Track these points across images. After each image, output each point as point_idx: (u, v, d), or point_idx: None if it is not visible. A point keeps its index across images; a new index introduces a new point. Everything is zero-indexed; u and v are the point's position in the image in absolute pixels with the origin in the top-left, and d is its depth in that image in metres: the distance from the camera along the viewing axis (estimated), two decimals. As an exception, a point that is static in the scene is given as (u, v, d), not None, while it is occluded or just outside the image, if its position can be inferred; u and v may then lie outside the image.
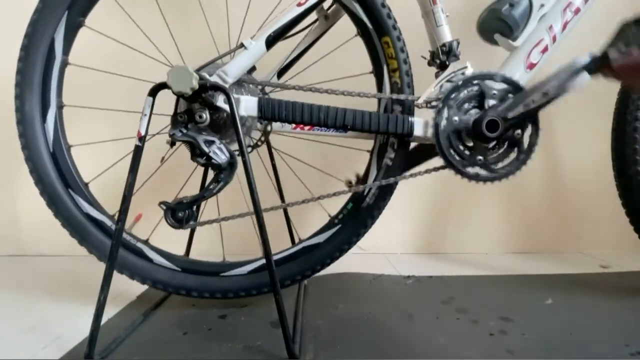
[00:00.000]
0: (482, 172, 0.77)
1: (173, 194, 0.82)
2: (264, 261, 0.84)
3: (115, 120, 0.99)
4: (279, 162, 1.01)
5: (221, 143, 0.74)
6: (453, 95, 0.76)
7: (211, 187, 0.75)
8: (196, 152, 0.74)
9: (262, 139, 0.92)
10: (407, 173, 0.82)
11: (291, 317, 0.81)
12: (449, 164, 0.77)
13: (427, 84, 0.81)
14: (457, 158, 0.77)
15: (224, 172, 0.75)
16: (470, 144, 0.77)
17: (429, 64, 0.86)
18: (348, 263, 1.07)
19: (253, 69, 0.87)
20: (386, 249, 1.30)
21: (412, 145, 0.83)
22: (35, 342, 0.74)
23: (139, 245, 0.84)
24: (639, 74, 0.58)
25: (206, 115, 0.74)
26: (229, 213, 0.79)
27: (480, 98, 0.77)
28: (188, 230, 1.00)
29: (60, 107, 0.85)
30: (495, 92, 0.76)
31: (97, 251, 0.82)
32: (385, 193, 0.84)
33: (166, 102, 0.74)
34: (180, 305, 0.88)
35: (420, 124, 0.79)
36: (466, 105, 0.77)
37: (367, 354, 0.68)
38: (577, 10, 0.81)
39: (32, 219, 1.27)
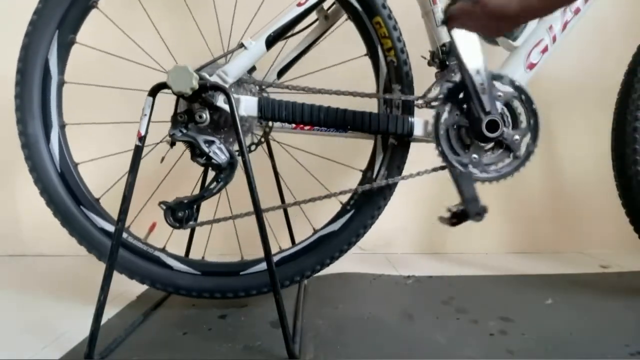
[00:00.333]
0: (480, 172, 0.77)
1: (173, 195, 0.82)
2: (281, 256, 0.85)
3: (118, 131, 0.98)
4: (280, 162, 1.01)
5: (221, 143, 0.74)
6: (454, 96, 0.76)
7: (211, 187, 0.75)
8: (196, 152, 0.74)
9: (262, 139, 0.92)
10: (407, 173, 0.82)
11: (291, 317, 0.81)
12: (448, 164, 0.77)
13: (427, 84, 0.81)
14: (457, 158, 0.77)
15: (224, 172, 0.75)
16: (470, 144, 0.78)
17: (429, 64, 0.86)
18: (348, 263, 1.07)
19: (253, 69, 0.86)
20: (386, 249, 1.30)
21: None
22: (35, 342, 0.74)
23: (157, 253, 0.85)
24: (468, 20, 0.61)
25: (206, 115, 0.74)
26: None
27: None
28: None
29: (62, 126, 0.85)
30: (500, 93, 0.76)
31: (117, 265, 0.82)
32: (395, 173, 0.84)
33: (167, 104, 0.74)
34: (180, 305, 0.88)
35: (420, 124, 0.79)
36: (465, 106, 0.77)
37: (367, 354, 0.68)
38: (577, 10, 0.81)
39: (32, 219, 1.27)
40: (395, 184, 0.84)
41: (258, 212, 0.68)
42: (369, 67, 0.85)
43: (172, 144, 0.76)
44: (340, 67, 0.94)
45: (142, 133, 0.69)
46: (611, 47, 1.19)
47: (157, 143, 0.78)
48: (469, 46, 0.72)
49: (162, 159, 0.83)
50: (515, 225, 1.31)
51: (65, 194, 0.83)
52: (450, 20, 0.64)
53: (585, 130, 1.27)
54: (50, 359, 0.68)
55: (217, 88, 0.71)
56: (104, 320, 0.71)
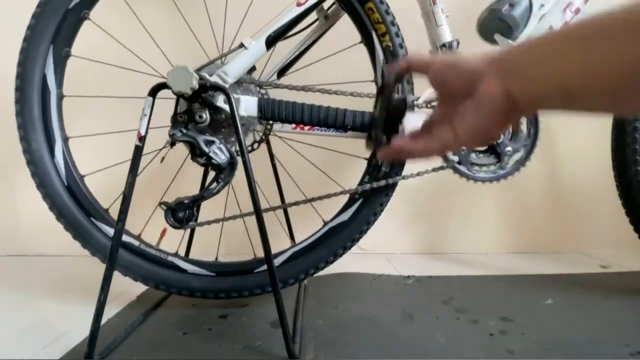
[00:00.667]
0: (497, 170, 0.78)
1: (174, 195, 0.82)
2: (294, 250, 0.85)
3: (121, 139, 0.98)
4: (285, 157, 1.01)
5: (221, 143, 0.74)
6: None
7: (211, 187, 0.75)
8: (196, 152, 0.74)
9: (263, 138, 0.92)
10: (407, 173, 0.82)
11: (291, 317, 0.81)
12: (465, 175, 0.77)
13: (427, 84, 0.81)
14: (456, 158, 0.77)
15: (224, 172, 0.75)
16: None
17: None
18: (348, 263, 1.07)
19: (253, 69, 0.87)
20: (386, 249, 1.30)
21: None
22: (35, 342, 0.74)
23: (170, 258, 0.85)
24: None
25: (206, 116, 0.74)
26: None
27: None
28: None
29: (65, 139, 0.85)
30: None
31: (132, 272, 0.83)
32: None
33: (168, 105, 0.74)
34: (180, 305, 0.88)
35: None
36: None
37: (367, 354, 0.68)
38: (577, 10, 0.81)
39: (32, 219, 1.27)
40: (402, 169, 0.84)
41: (258, 212, 0.69)
42: (369, 67, 0.85)
43: (172, 144, 0.76)
44: (342, 68, 0.94)
45: (142, 133, 0.69)
46: (611, 47, 1.19)
47: (160, 149, 0.78)
48: None
49: (162, 159, 0.84)
50: (515, 225, 1.31)
51: (74, 207, 0.83)
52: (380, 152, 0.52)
53: (585, 130, 1.27)
54: (50, 359, 0.68)
55: (217, 88, 0.71)
56: (104, 320, 0.71)
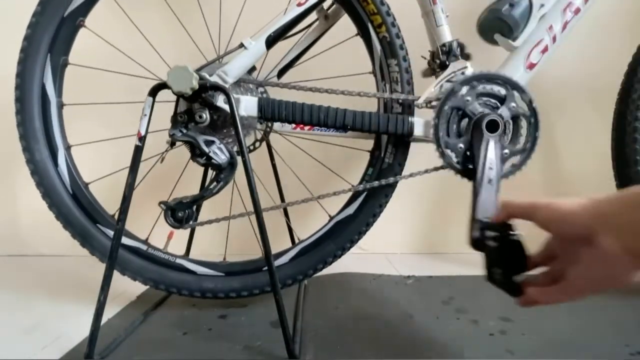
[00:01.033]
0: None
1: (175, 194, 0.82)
2: (302, 245, 0.85)
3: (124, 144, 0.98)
4: (286, 153, 1.01)
5: (221, 143, 0.74)
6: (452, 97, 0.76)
7: (211, 187, 0.75)
8: (196, 152, 0.74)
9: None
10: (407, 173, 0.82)
11: (291, 317, 0.81)
12: (459, 172, 0.77)
13: (427, 84, 0.81)
14: (456, 158, 0.77)
15: (224, 172, 0.75)
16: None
17: (429, 63, 0.86)
18: (348, 263, 1.07)
19: (253, 69, 0.87)
20: (386, 249, 1.30)
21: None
22: (35, 342, 0.74)
23: (179, 261, 0.85)
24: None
25: (206, 115, 0.74)
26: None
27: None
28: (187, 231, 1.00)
29: (67, 148, 0.85)
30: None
31: (141, 276, 0.83)
32: (403, 147, 0.83)
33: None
34: (180, 305, 0.88)
35: (421, 123, 0.79)
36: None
37: (367, 354, 0.68)
38: (577, 10, 0.80)
39: (32, 219, 1.27)
40: (405, 159, 0.84)
41: (258, 212, 0.69)
42: (368, 67, 0.85)
43: (172, 144, 0.76)
44: (342, 67, 0.94)
45: (142, 133, 0.69)
46: (611, 47, 1.19)
47: (162, 153, 0.78)
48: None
49: (162, 159, 0.83)
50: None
51: (81, 215, 0.83)
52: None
53: (585, 130, 1.27)
54: (50, 359, 0.68)
55: (217, 88, 0.71)
56: (104, 320, 0.71)
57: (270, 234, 0.69)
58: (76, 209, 0.83)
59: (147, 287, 0.86)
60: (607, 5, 1.13)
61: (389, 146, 0.83)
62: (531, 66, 0.80)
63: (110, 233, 0.83)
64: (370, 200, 0.84)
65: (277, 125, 0.85)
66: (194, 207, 0.77)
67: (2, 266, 1.19)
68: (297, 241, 0.88)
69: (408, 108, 0.82)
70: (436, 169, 0.80)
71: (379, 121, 0.78)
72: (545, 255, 0.55)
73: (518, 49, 0.81)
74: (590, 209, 0.45)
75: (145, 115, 0.69)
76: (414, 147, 0.84)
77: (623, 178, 0.97)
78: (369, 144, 0.86)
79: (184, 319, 0.82)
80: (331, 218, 0.87)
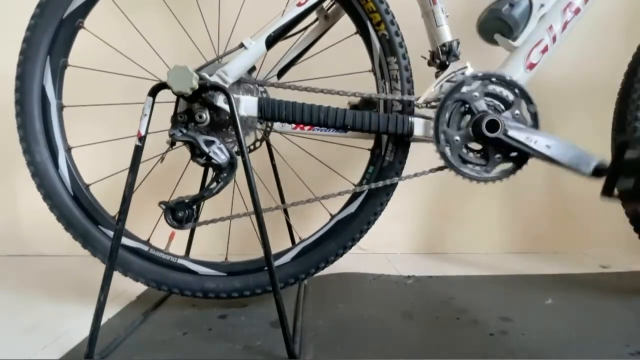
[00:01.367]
0: (480, 172, 0.78)
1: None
2: (304, 244, 0.85)
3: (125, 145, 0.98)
4: (287, 153, 1.01)
5: (221, 143, 0.74)
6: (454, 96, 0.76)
7: (211, 187, 0.75)
8: (196, 152, 0.74)
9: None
10: (408, 174, 0.82)
11: (291, 317, 0.81)
12: (449, 164, 0.77)
13: (427, 83, 0.81)
14: (448, 150, 0.77)
15: (224, 172, 0.75)
16: (471, 145, 0.78)
17: (429, 64, 0.86)
18: (348, 263, 1.07)
19: (253, 69, 0.87)
20: (386, 249, 1.30)
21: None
22: (35, 342, 0.74)
23: (180, 261, 0.85)
24: None
25: (206, 115, 0.74)
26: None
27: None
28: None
29: (68, 149, 0.85)
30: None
31: (143, 277, 0.83)
32: (403, 145, 0.83)
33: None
34: (180, 305, 0.88)
35: (421, 123, 0.79)
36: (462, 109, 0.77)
37: (367, 354, 0.68)
38: (577, 10, 0.80)
39: (32, 219, 1.27)
40: (405, 157, 0.84)
41: (258, 212, 0.69)
42: (368, 65, 0.85)
43: (172, 144, 0.76)
44: (341, 66, 0.94)
45: (142, 133, 0.69)
46: (611, 47, 1.19)
47: (162, 154, 0.78)
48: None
49: (162, 159, 0.84)
50: (515, 225, 1.31)
51: (82, 216, 0.83)
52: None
53: (586, 130, 1.27)
54: (50, 359, 0.68)
55: (217, 88, 0.71)
56: (104, 320, 0.71)
57: (271, 233, 0.69)
58: (77, 210, 0.83)
59: (147, 287, 0.86)
60: (606, 5, 1.13)
61: (390, 144, 0.83)
62: (531, 66, 0.80)
63: (112, 234, 0.83)
64: (371, 199, 0.84)
65: (277, 125, 0.85)
66: (194, 207, 0.77)
67: (2, 266, 1.19)
68: (297, 240, 0.88)
69: (408, 106, 0.82)
70: (438, 169, 0.80)
71: (379, 121, 0.78)
72: None
73: (518, 49, 0.81)
74: None
75: (145, 115, 0.69)
76: (414, 147, 0.84)
77: (623, 178, 0.96)
78: (369, 142, 0.86)
79: (184, 319, 0.82)
80: (332, 217, 0.87)
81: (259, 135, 0.91)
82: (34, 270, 1.17)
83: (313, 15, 0.87)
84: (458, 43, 0.82)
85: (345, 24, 0.86)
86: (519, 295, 0.94)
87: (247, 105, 0.76)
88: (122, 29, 0.94)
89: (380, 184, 0.81)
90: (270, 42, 0.77)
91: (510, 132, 0.75)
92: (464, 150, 0.78)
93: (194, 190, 0.81)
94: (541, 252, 1.30)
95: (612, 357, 0.67)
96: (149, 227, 0.88)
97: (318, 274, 0.86)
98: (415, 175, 0.82)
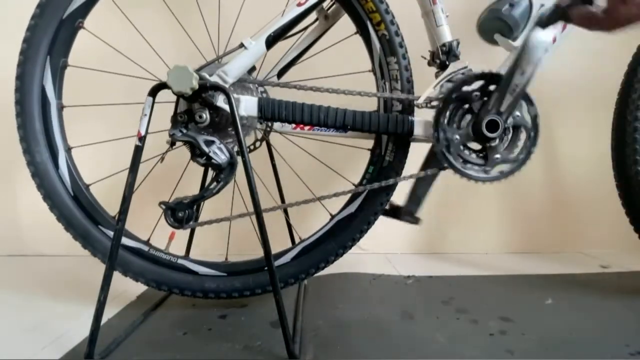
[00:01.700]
0: (478, 172, 0.78)
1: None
2: (304, 244, 0.85)
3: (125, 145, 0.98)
4: (287, 152, 1.01)
5: (221, 143, 0.74)
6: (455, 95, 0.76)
7: (211, 187, 0.75)
8: (196, 152, 0.74)
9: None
10: (408, 174, 0.82)
11: (291, 317, 0.81)
12: (449, 164, 0.77)
13: (427, 84, 0.81)
14: (457, 158, 0.77)
15: (224, 172, 0.75)
16: (472, 145, 0.78)
17: (429, 64, 0.86)
18: (348, 263, 1.07)
19: (253, 69, 0.87)
20: (386, 249, 1.30)
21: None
22: (35, 342, 0.74)
23: (180, 261, 0.85)
24: (596, 23, 0.65)
25: (206, 115, 0.74)
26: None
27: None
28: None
29: (68, 149, 0.85)
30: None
31: (143, 277, 0.83)
32: (403, 145, 0.83)
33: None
34: (180, 305, 0.88)
35: (421, 123, 0.79)
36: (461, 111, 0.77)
37: (367, 354, 0.68)
38: (577, 10, 0.80)
39: (32, 219, 1.27)
40: (406, 157, 0.84)
41: (258, 212, 0.69)
42: (368, 65, 0.85)
43: (172, 144, 0.76)
44: (342, 65, 0.94)
45: (142, 133, 0.69)
46: (611, 47, 1.19)
47: (162, 154, 0.78)
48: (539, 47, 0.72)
49: (162, 159, 0.84)
50: (515, 225, 1.31)
51: (82, 217, 0.83)
52: (568, 17, 0.67)
53: (585, 131, 1.27)
54: (50, 359, 0.68)
55: (217, 88, 0.71)
56: (104, 320, 0.71)
57: (271, 233, 0.69)
58: (77, 210, 0.83)
59: (147, 287, 0.86)
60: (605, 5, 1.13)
61: (390, 144, 0.83)
62: (531, 66, 0.80)
63: (112, 234, 0.83)
64: (371, 199, 0.84)
65: (277, 125, 0.85)
66: (194, 207, 0.77)
67: (2, 266, 1.19)
68: (297, 240, 0.88)
69: (408, 106, 0.82)
70: (438, 169, 0.80)
71: (379, 121, 0.78)
72: None
73: (518, 48, 0.81)
74: None
75: (146, 115, 0.69)
76: (415, 147, 0.84)
77: (623, 178, 0.97)
78: (369, 142, 0.86)
79: (184, 319, 0.82)
80: (332, 217, 0.87)
81: (259, 135, 0.91)
82: (34, 270, 1.17)
83: (313, 15, 0.87)
84: (458, 43, 0.82)
85: (345, 24, 0.86)
86: (519, 295, 0.94)
87: (247, 105, 0.76)
88: (122, 29, 0.94)
89: (381, 183, 0.81)
90: (270, 42, 0.77)
91: (502, 107, 0.75)
92: (464, 150, 0.78)
93: (194, 190, 0.81)
94: (541, 252, 1.30)
95: (612, 357, 0.67)
96: (149, 227, 0.88)
97: (318, 274, 0.86)
98: (415, 175, 0.82)
